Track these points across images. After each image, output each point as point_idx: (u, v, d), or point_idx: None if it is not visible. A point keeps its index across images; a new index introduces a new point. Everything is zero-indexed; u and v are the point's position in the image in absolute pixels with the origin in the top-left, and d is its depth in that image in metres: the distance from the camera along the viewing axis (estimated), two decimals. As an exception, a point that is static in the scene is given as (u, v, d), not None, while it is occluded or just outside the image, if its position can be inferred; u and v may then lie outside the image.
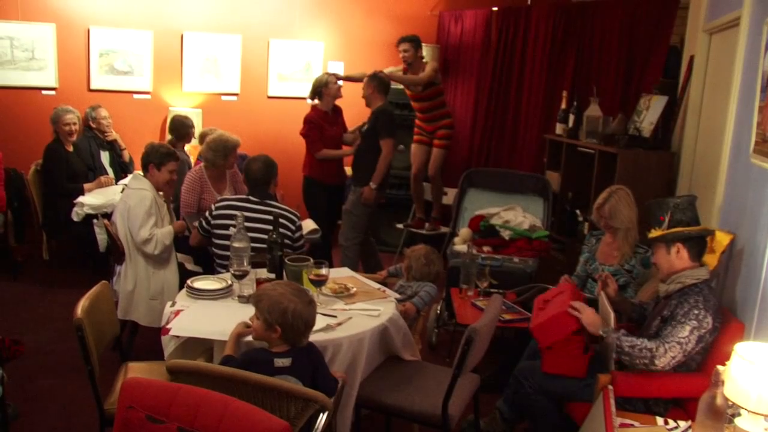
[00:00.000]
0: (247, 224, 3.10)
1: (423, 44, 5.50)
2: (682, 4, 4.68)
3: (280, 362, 2.25)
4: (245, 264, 2.94)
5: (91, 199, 4.84)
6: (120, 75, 5.78)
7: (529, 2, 6.15)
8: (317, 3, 6.27)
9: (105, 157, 5.42)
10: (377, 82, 4.89)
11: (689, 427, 2.30)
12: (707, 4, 4.07)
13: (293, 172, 5.29)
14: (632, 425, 2.36)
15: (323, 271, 2.84)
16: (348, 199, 4.99)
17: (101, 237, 4.65)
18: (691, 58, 4.26)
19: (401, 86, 5.60)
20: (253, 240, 3.08)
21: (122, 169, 5.48)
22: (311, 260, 2.93)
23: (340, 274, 3.37)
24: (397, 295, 3.18)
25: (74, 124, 5.04)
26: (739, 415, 2.00)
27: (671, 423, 2.36)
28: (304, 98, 5.22)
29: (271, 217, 3.30)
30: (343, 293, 3.02)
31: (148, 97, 5.91)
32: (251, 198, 3.56)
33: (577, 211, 4.97)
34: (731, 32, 3.56)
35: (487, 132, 6.13)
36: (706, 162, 3.92)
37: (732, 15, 3.47)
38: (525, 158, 5.87)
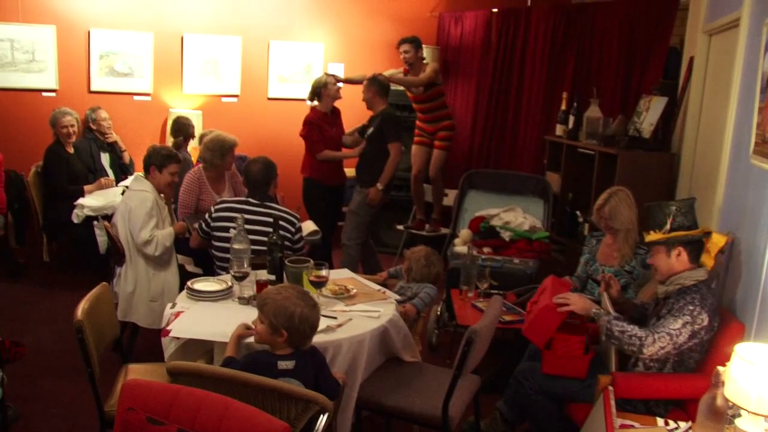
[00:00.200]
0: (246, 226, 3.10)
1: (423, 45, 5.50)
2: (682, 5, 4.68)
3: (284, 365, 2.25)
4: (245, 266, 2.94)
5: (91, 200, 4.85)
6: (120, 77, 5.78)
7: (529, 3, 6.15)
8: (317, 4, 6.27)
9: (105, 158, 5.42)
10: (377, 86, 4.90)
11: (690, 428, 2.30)
12: (707, 5, 4.07)
13: (293, 174, 5.29)
14: (633, 426, 2.36)
15: (323, 272, 2.84)
16: (353, 199, 5.00)
17: (101, 239, 4.64)
18: (691, 59, 4.26)
19: (402, 88, 5.61)
20: (253, 242, 3.08)
21: (122, 170, 5.48)
22: (311, 262, 2.93)
23: (340, 275, 3.36)
24: (398, 297, 3.18)
25: (72, 126, 5.05)
26: (739, 415, 2.00)
27: (672, 424, 2.36)
28: (304, 100, 5.22)
29: (270, 219, 3.31)
30: (343, 294, 3.02)
31: (148, 98, 5.91)
32: (251, 200, 3.56)
33: (578, 213, 4.97)
34: (731, 33, 3.56)
35: (487, 133, 6.14)
36: (706, 163, 3.92)
37: (732, 16, 3.47)
38: (525, 159, 5.87)
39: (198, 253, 3.92)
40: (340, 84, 5.08)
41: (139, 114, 5.88)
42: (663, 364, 2.63)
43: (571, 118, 5.05)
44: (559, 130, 5.23)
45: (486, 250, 4.45)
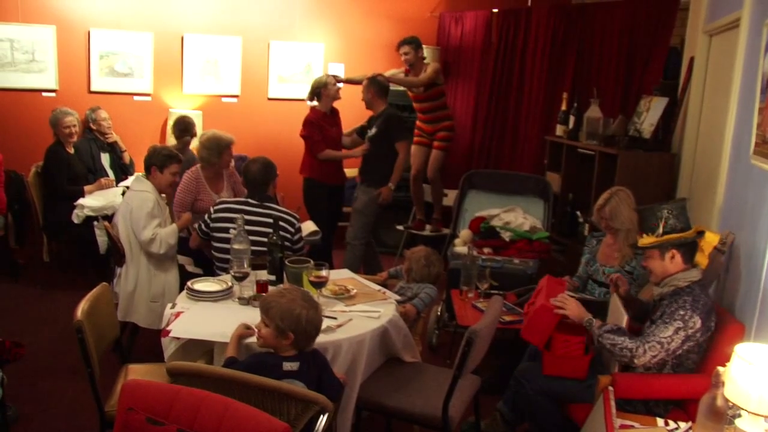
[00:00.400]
0: (246, 227, 3.10)
1: (423, 46, 5.50)
2: (682, 6, 4.68)
3: (288, 366, 2.26)
4: (245, 266, 2.94)
5: (91, 201, 4.84)
6: (120, 77, 5.78)
7: (529, 4, 6.15)
8: (317, 4, 6.27)
9: (105, 159, 5.42)
10: (377, 86, 4.92)
11: (690, 428, 2.30)
12: (707, 6, 4.07)
13: (294, 174, 5.28)
14: (633, 426, 2.35)
15: (323, 272, 2.84)
16: (358, 199, 5.01)
17: (101, 239, 4.64)
18: (692, 59, 4.26)
19: (402, 88, 5.61)
20: (253, 242, 3.08)
21: (123, 171, 5.48)
22: (311, 262, 2.93)
23: (340, 275, 3.36)
24: (398, 297, 3.18)
25: (74, 126, 5.05)
26: (739, 416, 2.00)
27: (672, 424, 2.36)
28: (304, 100, 5.22)
29: (270, 220, 3.31)
30: (344, 295, 3.02)
31: (148, 99, 5.91)
32: (250, 200, 3.56)
33: (578, 213, 4.97)
34: (731, 33, 3.56)
35: (487, 133, 6.14)
36: (706, 163, 3.92)
37: (732, 16, 3.47)
38: (525, 160, 5.88)
39: (198, 254, 3.93)
40: (341, 84, 5.08)
41: (139, 114, 5.88)
42: (662, 365, 2.63)
43: (572, 119, 5.06)
44: (560, 130, 5.23)
45: (486, 250, 4.45)
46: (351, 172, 5.50)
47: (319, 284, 2.86)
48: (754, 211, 2.73)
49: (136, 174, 4.82)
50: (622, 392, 2.53)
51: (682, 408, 2.64)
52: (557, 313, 2.78)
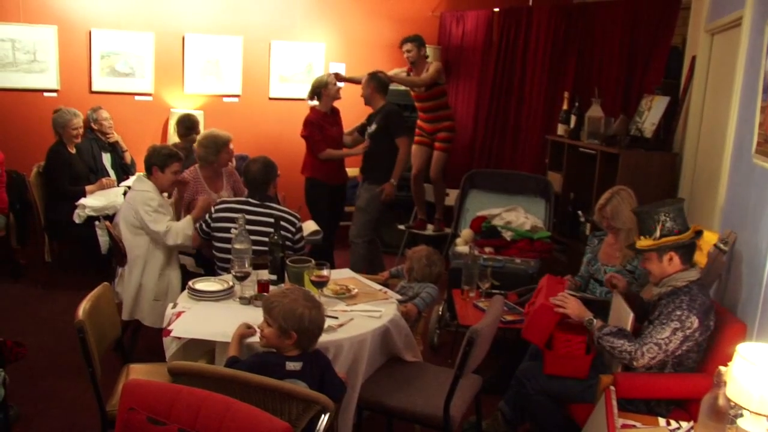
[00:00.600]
0: (247, 226, 3.10)
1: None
2: (684, 5, 4.67)
3: (292, 366, 2.26)
4: (246, 265, 2.94)
5: (92, 201, 4.84)
6: (121, 77, 5.79)
7: (530, 3, 6.15)
8: (318, 4, 6.27)
9: (107, 158, 5.42)
10: (376, 82, 4.92)
11: (691, 428, 2.30)
12: (709, 5, 4.06)
13: (295, 174, 5.28)
14: (634, 426, 2.35)
15: (325, 272, 2.84)
16: (360, 196, 5.01)
17: (103, 239, 4.65)
18: (693, 58, 4.26)
19: (404, 87, 5.60)
20: (254, 242, 3.08)
21: (124, 171, 5.48)
22: (313, 261, 2.93)
23: (341, 275, 3.36)
24: (399, 296, 3.18)
25: (80, 127, 5.08)
26: (741, 416, 1.99)
27: (673, 424, 2.36)
28: (305, 99, 5.22)
29: (271, 219, 3.30)
30: (345, 294, 3.02)
31: (149, 98, 5.91)
32: (251, 200, 3.56)
33: (579, 212, 4.96)
34: (733, 32, 3.56)
35: (488, 133, 6.13)
36: (708, 163, 3.91)
37: (734, 15, 3.47)
38: (527, 159, 5.87)
39: (199, 253, 3.93)
40: (341, 84, 5.08)
41: (141, 114, 5.88)
42: (663, 365, 2.62)
43: (573, 118, 5.05)
44: (561, 129, 5.22)
45: (487, 249, 4.45)
46: (352, 171, 5.50)
47: (321, 284, 2.86)
48: (756, 210, 2.73)
49: (137, 174, 4.81)
50: (624, 392, 2.53)
51: (683, 408, 2.64)
52: (557, 311, 2.78)
